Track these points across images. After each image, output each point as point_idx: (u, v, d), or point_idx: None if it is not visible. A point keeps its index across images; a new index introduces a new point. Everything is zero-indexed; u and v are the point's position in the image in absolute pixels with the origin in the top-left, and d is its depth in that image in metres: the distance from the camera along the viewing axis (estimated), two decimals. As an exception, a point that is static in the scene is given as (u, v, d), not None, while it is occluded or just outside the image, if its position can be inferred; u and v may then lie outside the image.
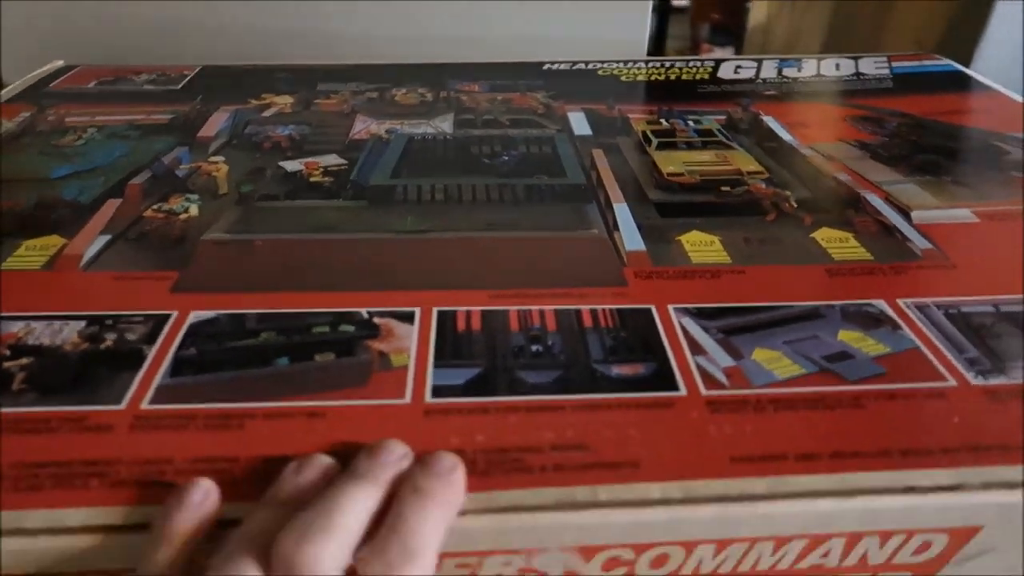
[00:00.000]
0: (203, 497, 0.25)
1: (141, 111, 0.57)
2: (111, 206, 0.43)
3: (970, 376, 0.30)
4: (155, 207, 0.43)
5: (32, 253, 0.39)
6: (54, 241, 0.40)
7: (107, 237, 0.40)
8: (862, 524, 0.26)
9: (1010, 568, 0.28)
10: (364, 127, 0.55)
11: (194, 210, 0.43)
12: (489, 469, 0.26)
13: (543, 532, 0.25)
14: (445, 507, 0.24)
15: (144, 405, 0.29)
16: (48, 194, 0.45)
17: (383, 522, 0.24)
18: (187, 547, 0.24)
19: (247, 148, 0.51)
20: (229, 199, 0.45)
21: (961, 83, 0.63)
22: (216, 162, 0.49)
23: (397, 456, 0.26)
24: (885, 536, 0.26)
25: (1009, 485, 0.26)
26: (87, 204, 0.44)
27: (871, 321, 0.34)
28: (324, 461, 0.26)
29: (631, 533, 0.26)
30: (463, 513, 0.25)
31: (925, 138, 0.53)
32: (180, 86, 0.62)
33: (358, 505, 0.24)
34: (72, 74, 0.65)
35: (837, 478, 0.26)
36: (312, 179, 0.47)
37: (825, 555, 0.26)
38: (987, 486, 0.26)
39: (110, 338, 0.33)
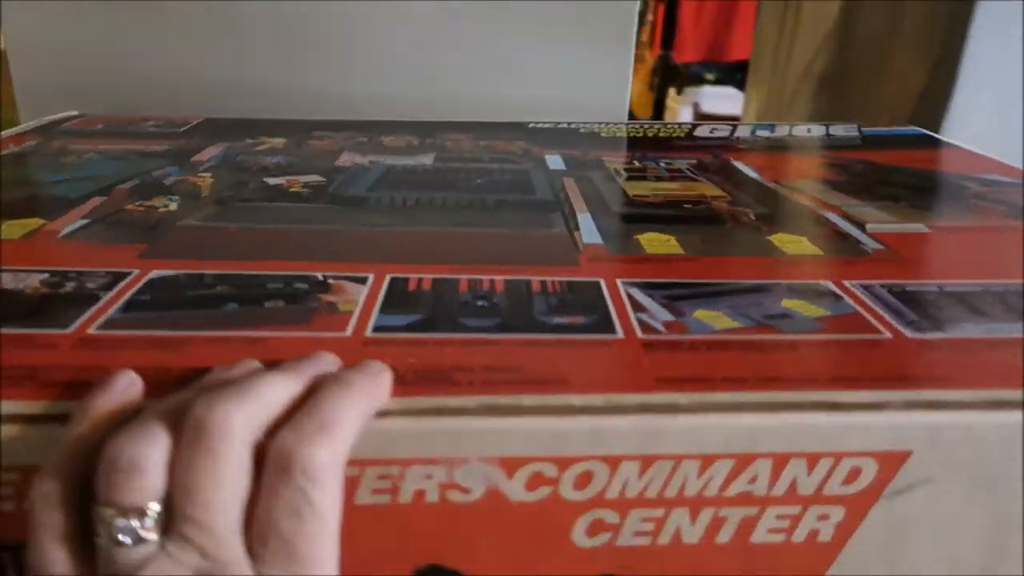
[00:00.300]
0: (127, 384, 0.25)
1: (142, 143, 0.60)
2: (96, 201, 0.45)
3: (907, 331, 0.31)
4: (137, 203, 0.45)
5: (12, 228, 0.40)
6: (35, 222, 0.42)
7: (87, 220, 0.42)
8: (788, 443, 0.25)
9: (950, 510, 0.27)
10: (349, 159, 0.57)
11: (174, 206, 0.45)
12: (417, 381, 0.27)
13: (465, 437, 0.25)
14: (366, 398, 0.25)
15: (91, 331, 0.30)
16: (39, 192, 0.47)
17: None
18: (103, 428, 0.24)
19: (235, 170, 0.54)
20: (209, 200, 0.47)
21: (928, 142, 0.66)
22: (203, 176, 0.51)
23: (326, 362, 0.26)
24: (813, 460, 0.26)
25: (935, 406, 0.26)
26: (74, 199, 0.46)
27: (815, 294, 0.34)
28: (254, 363, 0.26)
29: (553, 444, 0.25)
30: (385, 415, 0.25)
31: (889, 177, 0.55)
32: (183, 129, 0.66)
33: (277, 386, 0.24)
34: (83, 119, 0.69)
35: (763, 395, 0.26)
36: (292, 190, 0.49)
37: (753, 480, 0.26)
38: (911, 405, 0.26)
39: (70, 286, 0.34)
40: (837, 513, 0.27)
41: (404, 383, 0.26)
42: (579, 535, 0.27)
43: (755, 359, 0.28)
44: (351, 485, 0.25)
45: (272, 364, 0.27)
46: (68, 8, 0.77)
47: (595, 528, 0.27)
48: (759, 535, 0.27)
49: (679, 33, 2.51)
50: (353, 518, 0.25)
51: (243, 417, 0.22)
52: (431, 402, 0.26)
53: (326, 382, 0.25)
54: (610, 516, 0.26)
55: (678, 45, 2.55)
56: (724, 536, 0.27)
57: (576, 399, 0.26)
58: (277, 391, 0.24)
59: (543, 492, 0.26)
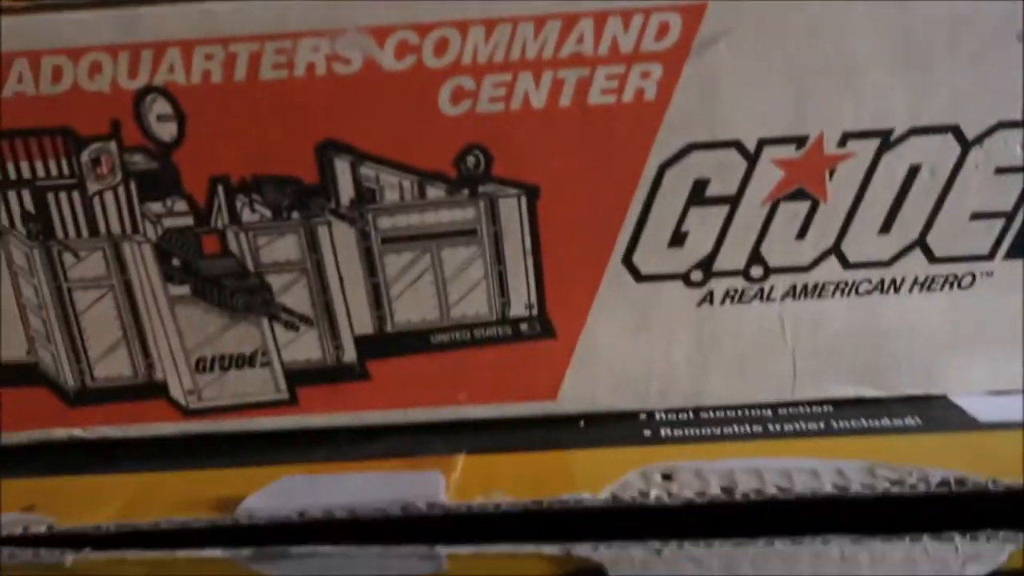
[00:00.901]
0: None
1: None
2: None
3: None
4: None
5: None
6: None
7: None
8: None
9: (750, 62, 0.32)
10: None
11: None
12: None
13: (341, 10, 0.31)
14: None
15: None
16: None
17: None
18: None
19: None
20: None
21: None
22: None
23: None
24: (626, 16, 0.31)
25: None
26: None
27: None
28: None
29: (411, 11, 0.31)
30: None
31: None
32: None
33: None
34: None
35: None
36: None
37: (580, 41, 0.31)
38: (705, -38, 0.31)
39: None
40: (656, 70, 0.32)
41: None
42: (444, 103, 0.32)
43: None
44: (255, 61, 0.32)
45: None
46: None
47: (457, 95, 0.32)
48: (594, 96, 0.32)
49: None
50: (259, 96, 0.32)
51: None
52: None
53: None
54: (467, 83, 0.32)
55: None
56: (565, 99, 0.32)
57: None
58: None
59: (409, 60, 0.32)
